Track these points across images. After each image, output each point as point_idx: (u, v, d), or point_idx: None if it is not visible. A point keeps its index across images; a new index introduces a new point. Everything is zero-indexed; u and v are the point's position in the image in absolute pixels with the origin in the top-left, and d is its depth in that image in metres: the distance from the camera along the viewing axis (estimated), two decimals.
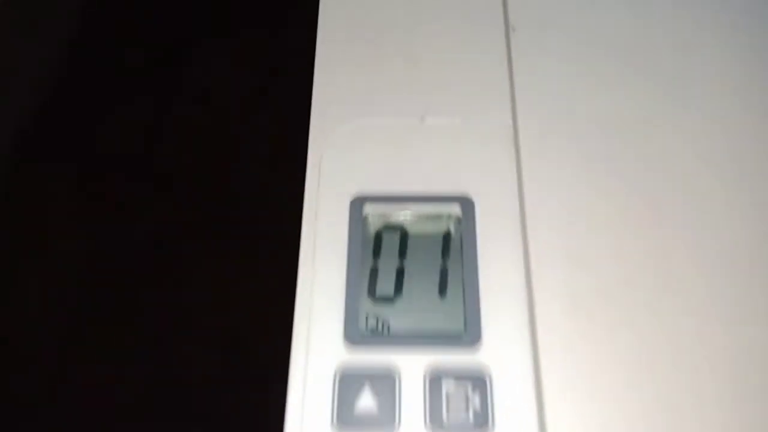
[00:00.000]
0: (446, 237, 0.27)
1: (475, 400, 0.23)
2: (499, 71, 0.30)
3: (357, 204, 0.27)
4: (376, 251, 0.27)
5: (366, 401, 0.23)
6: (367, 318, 0.26)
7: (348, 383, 0.24)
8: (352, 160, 0.28)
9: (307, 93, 0.27)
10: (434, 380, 0.23)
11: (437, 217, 0.27)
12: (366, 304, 0.26)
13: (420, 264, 0.27)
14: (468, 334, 0.24)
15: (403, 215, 0.27)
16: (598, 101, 0.29)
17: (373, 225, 0.27)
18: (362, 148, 0.28)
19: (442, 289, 0.26)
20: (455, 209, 0.27)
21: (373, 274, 0.27)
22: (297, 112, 0.27)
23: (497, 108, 0.29)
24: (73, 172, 0.33)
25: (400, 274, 0.27)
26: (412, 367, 0.24)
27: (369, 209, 0.27)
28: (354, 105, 0.29)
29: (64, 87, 0.34)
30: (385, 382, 0.23)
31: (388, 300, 0.26)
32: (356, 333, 0.25)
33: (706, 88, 0.30)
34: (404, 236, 0.27)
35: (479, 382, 0.23)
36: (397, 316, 0.26)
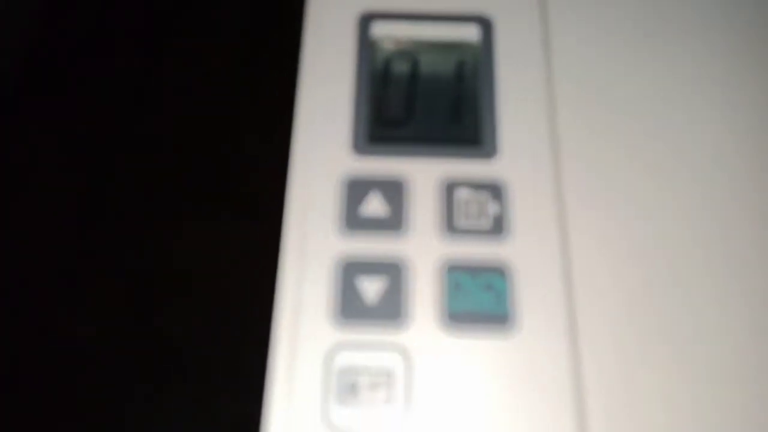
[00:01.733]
0: (461, 66, 0.25)
1: (492, 208, 0.21)
2: None
3: (364, 20, 0.25)
4: (386, 76, 0.25)
5: (374, 206, 0.22)
6: (375, 135, 0.24)
7: (355, 189, 0.22)
8: None
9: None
10: (448, 186, 0.22)
11: (451, 46, 0.26)
12: (374, 126, 0.24)
13: (432, 91, 0.25)
14: (484, 144, 0.23)
15: (416, 40, 0.26)
16: None
17: (383, 50, 0.25)
18: None
19: (456, 113, 0.24)
20: (472, 31, 0.25)
21: (383, 97, 0.25)
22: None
23: None
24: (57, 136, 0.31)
25: (410, 98, 0.25)
26: (424, 174, 0.22)
27: (378, 29, 0.25)
28: None
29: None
30: (394, 188, 0.22)
31: (397, 123, 0.24)
32: (364, 143, 0.23)
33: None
34: (415, 63, 0.26)
35: (496, 190, 0.22)
36: (408, 133, 0.24)
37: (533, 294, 0.20)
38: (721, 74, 0.24)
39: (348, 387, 0.19)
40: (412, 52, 0.26)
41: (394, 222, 0.21)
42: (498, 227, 0.21)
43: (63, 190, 0.29)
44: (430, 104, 0.25)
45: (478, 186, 0.22)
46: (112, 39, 0.32)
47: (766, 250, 0.21)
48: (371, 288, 0.20)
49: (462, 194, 0.22)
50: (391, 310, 0.20)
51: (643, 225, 0.21)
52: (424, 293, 0.20)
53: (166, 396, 0.25)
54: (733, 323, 0.20)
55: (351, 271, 0.20)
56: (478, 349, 0.19)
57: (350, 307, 0.20)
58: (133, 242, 0.28)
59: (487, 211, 0.21)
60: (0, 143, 0.30)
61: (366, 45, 0.25)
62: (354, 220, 0.21)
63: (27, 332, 0.27)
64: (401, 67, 0.26)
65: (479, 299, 0.20)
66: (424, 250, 0.21)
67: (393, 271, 0.20)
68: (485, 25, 0.25)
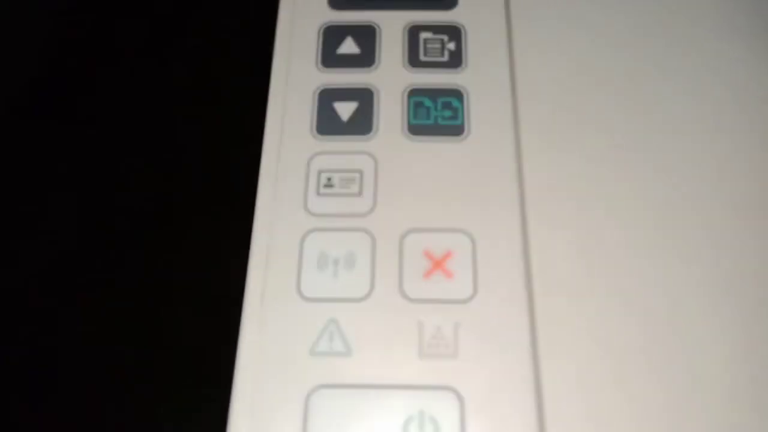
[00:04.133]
0: None
1: (450, 46, 0.25)
2: None
3: None
4: None
5: (348, 47, 0.25)
6: None
7: (331, 34, 0.25)
8: None
9: None
10: (412, 30, 0.25)
11: None
12: None
13: None
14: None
15: None
16: None
17: None
18: None
19: None
20: None
21: None
22: None
23: None
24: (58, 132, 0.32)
25: None
26: (392, 23, 0.25)
27: None
28: None
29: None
30: (367, 32, 0.25)
31: None
32: None
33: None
34: None
35: (455, 32, 0.25)
36: None
37: (485, 111, 0.23)
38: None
39: (325, 182, 0.22)
40: None
41: (365, 59, 0.24)
42: (456, 61, 0.24)
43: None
44: None
45: (438, 29, 0.25)
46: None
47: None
48: (345, 109, 0.23)
49: (424, 35, 0.25)
50: (362, 125, 0.23)
51: (592, 57, 0.24)
52: (391, 111, 0.23)
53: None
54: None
55: (328, 96, 0.24)
56: (435, 151, 0.22)
57: (327, 125, 0.23)
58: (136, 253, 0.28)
59: (446, 48, 0.25)
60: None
61: None
62: (331, 59, 0.25)
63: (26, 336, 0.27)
64: None
65: (438, 115, 0.23)
66: (392, 80, 0.24)
67: (364, 96, 0.24)
68: None
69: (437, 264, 0.21)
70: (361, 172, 0.22)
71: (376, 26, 0.25)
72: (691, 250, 0.21)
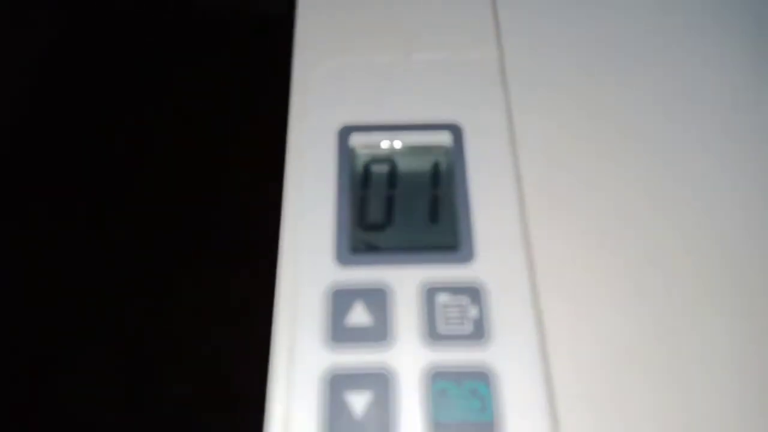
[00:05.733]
0: (436, 167, 0.27)
1: (472, 312, 0.22)
2: (485, 5, 0.30)
3: (344, 133, 0.27)
4: (365, 182, 0.26)
5: (358, 316, 0.22)
6: (357, 244, 0.25)
7: (339, 299, 0.23)
8: (338, 92, 0.28)
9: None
10: (429, 293, 0.23)
11: (426, 149, 0.27)
12: (356, 233, 0.25)
13: (410, 194, 0.26)
14: (462, 249, 0.24)
15: (393, 146, 0.27)
16: (585, 35, 0.29)
17: (362, 156, 0.27)
18: (348, 81, 0.28)
19: (434, 215, 0.26)
20: (445, 137, 0.27)
21: (363, 203, 0.26)
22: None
23: (483, 42, 0.29)
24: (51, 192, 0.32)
25: (389, 203, 0.26)
26: (404, 282, 0.23)
27: (356, 139, 0.27)
28: (338, 44, 0.29)
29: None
30: (377, 297, 0.23)
31: (378, 228, 0.25)
32: (347, 253, 0.24)
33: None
34: (393, 167, 0.27)
35: (475, 294, 0.23)
36: (389, 241, 0.25)
37: (516, 399, 0.21)
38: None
39: None
40: (390, 156, 0.27)
41: (378, 331, 0.22)
42: (479, 332, 0.22)
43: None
44: (408, 207, 0.26)
45: (457, 290, 0.23)
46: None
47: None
48: (358, 402, 0.21)
49: (442, 299, 0.23)
50: (379, 425, 0.20)
51: (614, 314, 0.22)
52: (411, 405, 0.20)
53: None
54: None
55: (338, 385, 0.21)
56: None
57: (338, 424, 0.20)
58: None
59: (466, 316, 0.22)
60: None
61: (345, 157, 0.26)
62: (340, 332, 0.22)
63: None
64: (380, 170, 0.27)
65: (465, 407, 0.20)
66: (409, 359, 0.21)
67: (380, 383, 0.21)
68: (456, 131, 0.27)
69: None
70: None
71: (388, 288, 0.23)
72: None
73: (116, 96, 0.33)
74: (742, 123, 0.27)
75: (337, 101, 0.27)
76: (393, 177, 0.27)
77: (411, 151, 0.27)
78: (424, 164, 0.27)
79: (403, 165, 0.27)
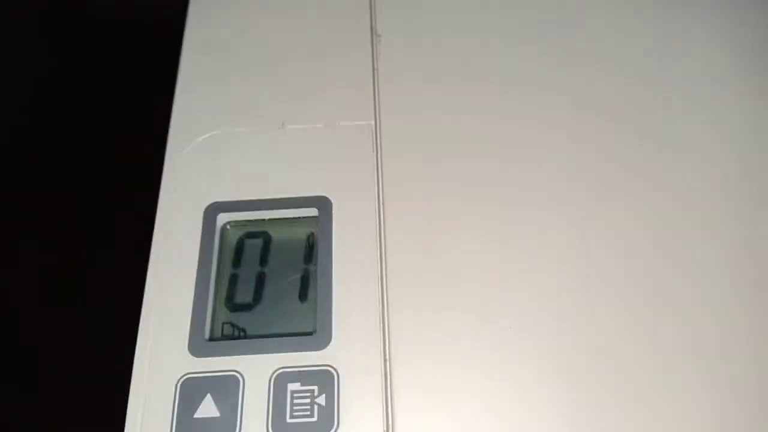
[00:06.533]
0: (310, 238, 0.27)
1: (320, 400, 0.22)
2: (363, 78, 0.30)
3: (211, 211, 0.27)
4: (237, 259, 0.27)
5: (207, 408, 0.22)
6: (223, 326, 0.25)
7: (189, 391, 0.23)
8: (208, 168, 0.28)
9: None
10: (280, 381, 0.23)
11: (298, 222, 0.27)
12: (223, 312, 0.25)
13: (283, 269, 0.26)
14: (318, 334, 0.24)
15: (264, 222, 0.27)
16: (460, 106, 0.30)
17: (234, 233, 0.27)
18: (221, 156, 0.28)
19: (303, 293, 0.26)
20: (313, 212, 0.27)
21: (233, 282, 0.26)
22: None
23: (361, 113, 0.29)
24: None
25: (260, 281, 0.26)
26: (258, 370, 0.23)
27: (226, 217, 0.27)
28: (214, 116, 0.29)
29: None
30: (229, 387, 0.23)
31: (246, 307, 0.26)
32: (202, 342, 0.24)
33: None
34: (266, 243, 0.27)
35: (324, 381, 0.23)
36: (254, 323, 0.25)
37: None
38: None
39: None
40: (263, 229, 0.27)
41: (227, 424, 0.22)
42: (328, 422, 0.22)
43: None
44: (279, 286, 0.26)
45: (309, 377, 0.23)
46: None
47: None
48: None
49: (293, 387, 0.23)
50: None
51: (467, 408, 0.22)
52: None
53: None
54: None
55: None
56: None
57: None
58: None
59: (316, 402, 0.22)
60: None
61: (210, 237, 0.26)
62: (187, 426, 0.22)
63: None
64: (254, 245, 0.27)
65: None
66: None
67: None
68: (325, 205, 0.27)
69: None
70: None
71: (240, 378, 0.23)
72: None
73: None
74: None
75: (206, 177, 0.27)
76: (266, 251, 0.27)
77: (285, 222, 0.27)
78: (299, 234, 0.27)
79: (278, 236, 0.27)
